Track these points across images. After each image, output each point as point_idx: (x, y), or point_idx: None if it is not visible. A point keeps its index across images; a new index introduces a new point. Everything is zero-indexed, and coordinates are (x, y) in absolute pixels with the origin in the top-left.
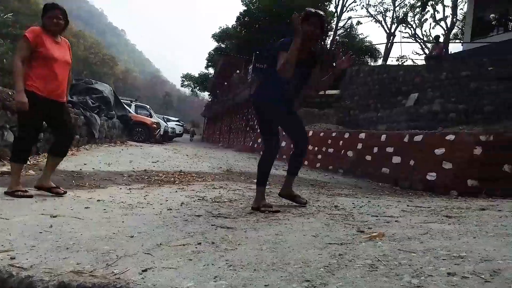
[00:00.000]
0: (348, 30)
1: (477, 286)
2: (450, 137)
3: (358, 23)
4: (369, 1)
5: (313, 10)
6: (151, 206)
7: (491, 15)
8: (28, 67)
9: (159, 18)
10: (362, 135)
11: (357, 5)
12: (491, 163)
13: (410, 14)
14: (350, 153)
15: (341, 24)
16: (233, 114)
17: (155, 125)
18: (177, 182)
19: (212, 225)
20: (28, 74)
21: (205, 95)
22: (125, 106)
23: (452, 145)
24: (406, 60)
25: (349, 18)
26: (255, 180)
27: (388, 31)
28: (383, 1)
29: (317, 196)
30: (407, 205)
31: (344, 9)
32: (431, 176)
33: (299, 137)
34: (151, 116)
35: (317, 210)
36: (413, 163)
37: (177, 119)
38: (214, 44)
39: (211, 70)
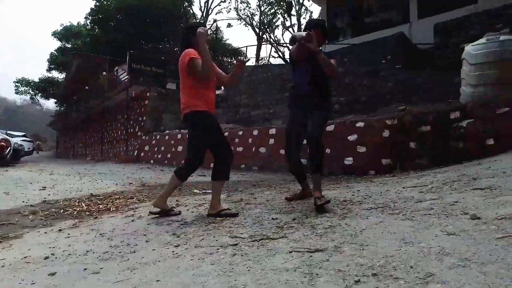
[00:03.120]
0: (215, 32)
1: None
2: (360, 124)
3: (229, 25)
4: (237, 5)
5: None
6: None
7: (340, 23)
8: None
9: None
10: (273, 131)
11: (223, 8)
12: (398, 142)
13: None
14: (262, 150)
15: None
16: (105, 122)
17: (3, 143)
18: (111, 208)
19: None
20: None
21: (47, 103)
22: None
23: (363, 131)
24: (266, 62)
25: (215, 20)
26: (196, 190)
27: (256, 35)
28: (249, 6)
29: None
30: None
31: (210, 11)
32: (348, 160)
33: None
34: None
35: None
36: (329, 151)
37: (22, 133)
38: (55, 44)
39: (56, 73)
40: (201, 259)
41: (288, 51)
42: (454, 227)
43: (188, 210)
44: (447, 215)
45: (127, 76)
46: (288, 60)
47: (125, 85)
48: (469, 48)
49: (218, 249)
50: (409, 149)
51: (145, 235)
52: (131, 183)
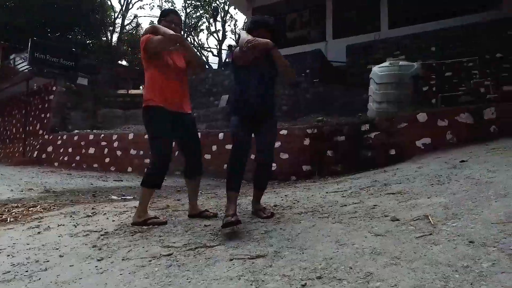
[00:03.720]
0: (135, 28)
1: None
2: (284, 132)
3: (151, 23)
4: (162, 3)
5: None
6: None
7: None
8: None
9: None
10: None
11: (146, 4)
12: (317, 150)
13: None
14: None
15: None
16: None
17: None
18: (8, 218)
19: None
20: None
21: None
22: None
23: (286, 138)
24: None
25: (135, 16)
26: (114, 197)
27: None
28: (174, 6)
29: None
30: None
31: (131, 6)
32: (272, 166)
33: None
34: None
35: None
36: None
37: None
38: None
39: None
40: (132, 272)
41: (212, 56)
42: (380, 229)
43: (107, 219)
44: (371, 218)
45: (27, 66)
46: (211, 65)
47: (24, 76)
48: (375, 69)
49: (150, 260)
50: (326, 157)
51: (57, 249)
52: (31, 189)
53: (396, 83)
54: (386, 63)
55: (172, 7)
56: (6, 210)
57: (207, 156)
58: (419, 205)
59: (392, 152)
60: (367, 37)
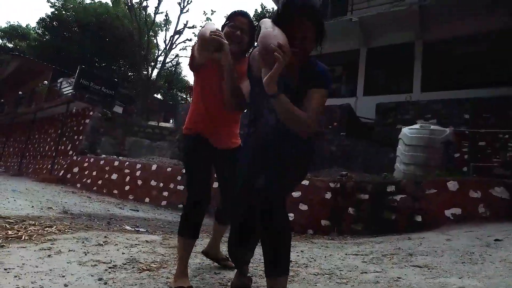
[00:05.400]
0: (174, 66)
1: None
2: (305, 182)
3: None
4: None
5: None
6: None
7: None
8: None
9: None
10: None
11: (188, 46)
12: (338, 206)
13: None
14: None
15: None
16: (32, 132)
17: None
18: (23, 236)
19: None
20: None
21: None
22: None
23: (307, 189)
24: None
25: (176, 55)
26: (128, 227)
27: None
28: None
29: None
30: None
31: (174, 46)
32: (290, 216)
33: None
34: None
35: None
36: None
37: None
38: None
39: None
40: None
41: None
42: None
43: (118, 250)
44: None
45: (71, 90)
46: None
47: (67, 99)
48: (405, 130)
49: None
50: (347, 214)
51: (63, 276)
52: (50, 207)
53: (426, 147)
54: (417, 125)
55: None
56: (23, 227)
57: None
58: (449, 285)
59: (418, 218)
60: (397, 97)
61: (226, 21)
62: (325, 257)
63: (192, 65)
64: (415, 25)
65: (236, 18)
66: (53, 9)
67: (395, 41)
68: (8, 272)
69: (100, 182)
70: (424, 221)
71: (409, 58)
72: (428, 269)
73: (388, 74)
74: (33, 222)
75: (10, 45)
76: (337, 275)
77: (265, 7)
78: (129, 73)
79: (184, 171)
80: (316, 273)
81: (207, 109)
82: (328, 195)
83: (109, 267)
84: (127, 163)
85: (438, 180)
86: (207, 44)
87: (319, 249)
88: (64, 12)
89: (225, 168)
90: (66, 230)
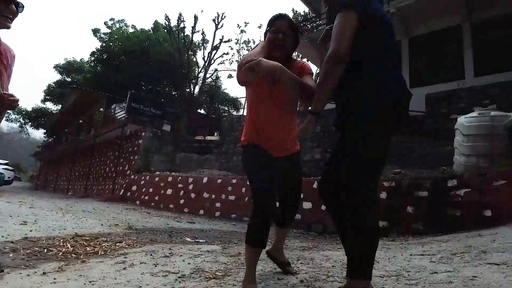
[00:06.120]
0: (214, 81)
1: None
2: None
3: (230, 76)
4: (240, 58)
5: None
6: None
7: None
8: None
9: None
10: None
11: (226, 60)
12: (395, 205)
13: None
14: None
15: (208, 74)
16: (94, 157)
17: None
18: (99, 251)
19: None
20: None
21: (35, 132)
22: None
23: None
24: None
25: (215, 70)
26: (188, 239)
27: None
28: None
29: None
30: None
31: (213, 61)
32: None
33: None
34: None
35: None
36: (325, 208)
37: (5, 162)
38: (54, 76)
39: (50, 105)
40: None
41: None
42: None
43: (183, 261)
44: None
45: (124, 114)
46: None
47: (121, 123)
48: (462, 119)
49: None
50: (406, 213)
51: (140, 286)
52: (117, 224)
53: (487, 135)
54: (474, 113)
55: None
56: (98, 243)
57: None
58: None
59: (488, 213)
60: (448, 86)
61: (267, 28)
62: (389, 258)
63: (239, 82)
64: (460, 7)
65: (276, 22)
66: (101, 42)
67: (439, 27)
68: (93, 285)
69: (157, 198)
70: (495, 216)
71: (457, 43)
72: (508, 266)
73: (435, 63)
74: (105, 239)
75: (68, 79)
76: (404, 277)
77: (296, 11)
78: (173, 92)
79: (248, 182)
80: (381, 275)
81: (258, 118)
82: (383, 195)
83: (179, 277)
84: (180, 178)
85: (506, 170)
86: (246, 76)
87: (381, 250)
88: (111, 44)
89: (283, 173)
90: (134, 244)
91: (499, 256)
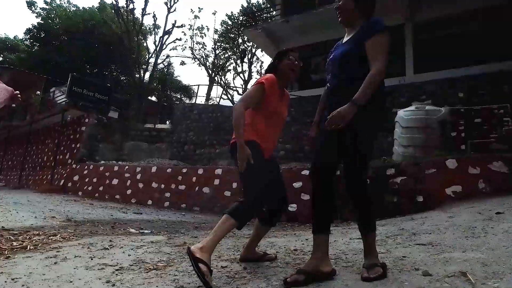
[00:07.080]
0: (166, 67)
1: None
2: (305, 172)
3: (182, 63)
4: (193, 45)
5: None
6: None
7: None
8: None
9: None
10: (219, 171)
11: (178, 46)
12: (339, 194)
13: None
14: (206, 190)
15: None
16: (30, 145)
17: None
18: (28, 246)
19: None
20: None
21: None
22: None
23: (308, 179)
24: (214, 102)
25: (167, 56)
26: (132, 230)
27: (209, 76)
28: (205, 47)
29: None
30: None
31: (165, 47)
32: (292, 207)
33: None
34: None
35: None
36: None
37: None
38: None
39: None
40: None
41: (237, 95)
42: (411, 284)
43: (123, 253)
44: (399, 271)
45: (65, 99)
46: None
47: (61, 108)
48: (401, 113)
49: None
50: (349, 200)
51: (71, 281)
52: (54, 217)
53: (423, 128)
54: (412, 107)
55: (203, 48)
56: (28, 237)
57: (227, 193)
58: (454, 259)
59: (420, 199)
60: (390, 81)
61: (281, 57)
62: (330, 243)
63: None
64: (403, 8)
65: (288, 53)
66: (39, 19)
67: None
68: (16, 282)
69: (101, 188)
70: (426, 201)
71: (399, 41)
72: (432, 246)
73: None
74: (37, 232)
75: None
76: (342, 259)
77: (250, 1)
78: (122, 78)
79: (243, 176)
80: None
81: (267, 129)
82: None
83: (116, 269)
84: (127, 167)
85: (437, 159)
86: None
87: None
88: (50, 21)
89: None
90: (70, 237)
91: (426, 237)
